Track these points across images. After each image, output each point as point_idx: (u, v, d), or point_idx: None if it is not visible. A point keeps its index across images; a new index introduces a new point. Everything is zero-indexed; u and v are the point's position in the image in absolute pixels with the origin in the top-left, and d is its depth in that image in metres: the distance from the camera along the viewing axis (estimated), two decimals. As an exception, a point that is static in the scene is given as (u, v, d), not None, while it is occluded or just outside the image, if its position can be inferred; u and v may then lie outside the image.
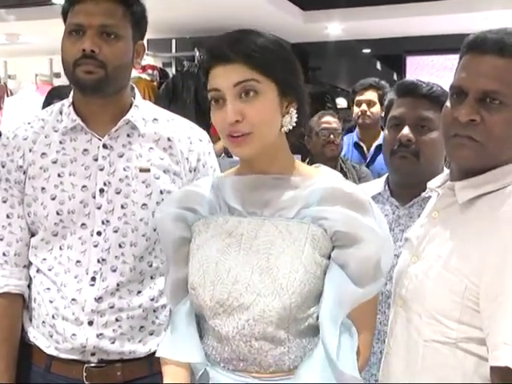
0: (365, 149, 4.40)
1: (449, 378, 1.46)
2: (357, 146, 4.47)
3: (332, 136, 3.88)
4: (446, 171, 1.64)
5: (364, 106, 4.39)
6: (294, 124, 1.53)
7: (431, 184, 1.68)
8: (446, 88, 1.62)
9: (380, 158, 4.26)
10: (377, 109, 4.36)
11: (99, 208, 1.83)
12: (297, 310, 1.46)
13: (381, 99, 4.31)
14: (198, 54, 7.13)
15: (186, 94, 6.76)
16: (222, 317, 1.50)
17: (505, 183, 1.47)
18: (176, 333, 1.56)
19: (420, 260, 1.58)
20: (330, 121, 3.96)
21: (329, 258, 1.50)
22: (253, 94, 1.46)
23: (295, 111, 1.53)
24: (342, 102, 10.32)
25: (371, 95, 4.39)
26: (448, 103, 1.53)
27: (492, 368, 1.36)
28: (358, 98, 4.43)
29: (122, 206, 1.84)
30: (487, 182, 1.49)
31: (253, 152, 1.50)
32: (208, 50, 1.51)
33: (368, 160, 4.33)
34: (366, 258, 1.48)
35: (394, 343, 1.63)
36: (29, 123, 1.94)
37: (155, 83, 7.18)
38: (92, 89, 1.81)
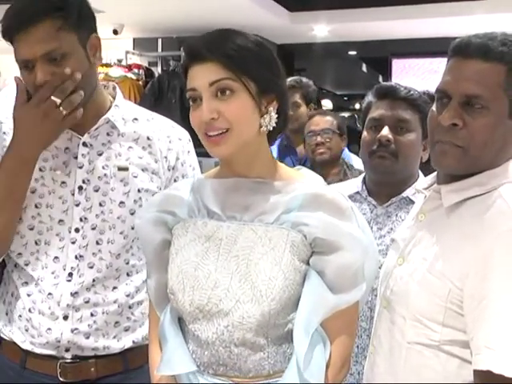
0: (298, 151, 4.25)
1: (431, 380, 1.47)
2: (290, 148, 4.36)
3: (319, 138, 3.52)
4: (434, 173, 1.65)
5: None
6: (274, 125, 1.52)
7: (418, 185, 1.70)
8: (432, 91, 1.63)
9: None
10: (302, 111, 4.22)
11: (77, 205, 1.83)
12: (276, 316, 1.45)
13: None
14: (183, 53, 7.14)
15: (171, 94, 6.76)
16: (201, 322, 1.48)
17: (490, 187, 1.48)
18: (167, 346, 1.54)
19: (406, 262, 1.58)
20: (318, 121, 3.61)
21: (308, 263, 1.49)
22: (229, 93, 1.45)
23: (275, 111, 1.52)
24: (327, 104, 10.34)
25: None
26: (434, 107, 1.54)
27: (475, 371, 1.36)
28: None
29: (100, 204, 1.84)
30: (473, 186, 1.49)
31: (230, 151, 1.48)
32: (185, 50, 1.51)
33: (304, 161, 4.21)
34: (345, 266, 1.47)
35: (377, 343, 1.63)
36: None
37: (141, 82, 7.17)
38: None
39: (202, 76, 1.46)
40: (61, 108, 1.75)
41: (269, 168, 1.56)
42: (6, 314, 1.90)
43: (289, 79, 4.11)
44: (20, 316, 1.86)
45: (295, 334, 1.45)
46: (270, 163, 1.57)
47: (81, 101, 1.78)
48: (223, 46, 1.46)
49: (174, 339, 1.53)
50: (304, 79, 4.28)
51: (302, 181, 1.55)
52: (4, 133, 1.88)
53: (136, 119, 1.94)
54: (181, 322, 1.57)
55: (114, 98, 1.94)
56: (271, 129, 1.52)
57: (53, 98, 1.74)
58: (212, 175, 1.62)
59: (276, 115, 1.52)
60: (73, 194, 1.84)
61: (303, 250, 1.48)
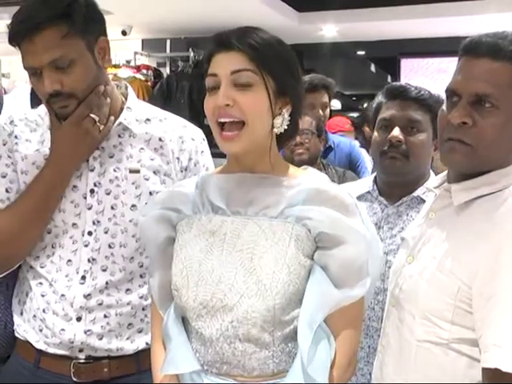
0: None
1: (440, 378, 1.47)
2: None
3: (299, 138, 3.37)
4: (444, 172, 1.65)
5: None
6: (286, 127, 1.52)
7: (429, 184, 1.71)
8: (441, 91, 1.63)
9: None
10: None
11: (90, 208, 1.83)
12: (281, 311, 1.45)
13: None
14: (192, 54, 7.15)
15: (180, 94, 6.77)
16: (205, 318, 1.48)
17: (500, 186, 1.48)
18: (171, 345, 1.54)
19: (415, 260, 1.58)
20: None
21: (312, 258, 1.49)
22: (248, 85, 1.46)
23: (288, 114, 1.52)
24: (336, 104, 10.32)
25: None
26: (444, 106, 1.54)
27: (483, 369, 1.37)
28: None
29: (112, 207, 1.84)
30: (483, 185, 1.49)
31: (242, 148, 1.49)
32: (214, 37, 1.52)
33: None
34: (349, 260, 1.47)
35: (386, 342, 1.64)
36: (26, 118, 1.93)
37: (149, 83, 7.19)
38: None
39: (226, 63, 1.47)
40: (98, 123, 1.80)
41: (275, 166, 1.56)
42: (21, 313, 1.90)
43: (318, 77, 4.03)
44: (34, 316, 1.87)
45: (299, 329, 1.45)
46: (278, 162, 1.58)
47: (109, 111, 1.84)
48: (252, 39, 1.48)
49: (177, 338, 1.53)
50: (329, 79, 4.16)
51: (306, 177, 1.56)
52: (16, 136, 1.88)
53: (148, 120, 1.93)
54: (184, 322, 1.57)
55: (126, 98, 1.94)
56: (282, 131, 1.53)
57: (92, 115, 1.79)
58: (218, 171, 1.64)
59: (288, 118, 1.53)
60: (85, 198, 1.84)
61: (308, 245, 1.48)
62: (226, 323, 1.46)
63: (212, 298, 1.47)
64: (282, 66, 1.50)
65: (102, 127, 1.81)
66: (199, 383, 1.50)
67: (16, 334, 1.91)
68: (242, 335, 1.45)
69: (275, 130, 1.51)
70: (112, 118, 1.86)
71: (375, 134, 2.17)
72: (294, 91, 1.53)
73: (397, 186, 2.16)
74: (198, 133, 1.97)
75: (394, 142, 2.08)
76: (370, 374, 1.95)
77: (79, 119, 1.79)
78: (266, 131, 1.51)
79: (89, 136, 1.80)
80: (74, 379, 1.83)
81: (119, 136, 1.88)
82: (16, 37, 1.74)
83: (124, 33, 7.13)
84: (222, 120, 1.47)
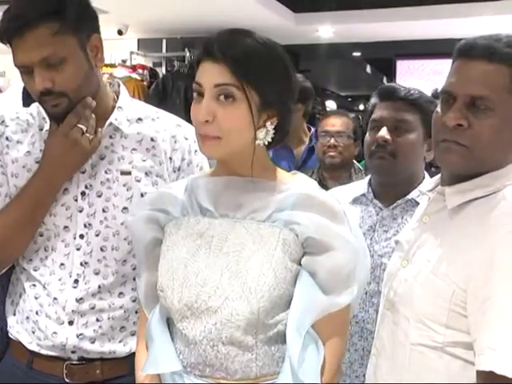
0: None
1: (434, 382, 1.47)
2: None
3: (333, 140, 3.33)
4: (438, 175, 1.65)
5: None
6: (270, 140, 1.51)
7: (422, 187, 1.71)
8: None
9: (313, 159, 3.93)
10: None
11: (81, 211, 1.82)
12: (265, 315, 1.44)
13: None
14: (188, 54, 7.14)
15: (175, 94, 6.76)
16: (189, 320, 1.48)
17: (494, 189, 1.48)
18: (153, 345, 1.54)
19: (410, 264, 1.58)
20: (333, 123, 3.40)
21: (299, 263, 1.49)
22: (230, 100, 1.44)
23: (273, 126, 1.50)
24: (331, 105, 10.37)
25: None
26: (438, 108, 1.54)
27: (478, 372, 1.36)
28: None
29: (103, 210, 1.82)
30: (477, 188, 1.49)
31: (219, 156, 1.51)
32: (203, 44, 1.49)
33: (300, 164, 3.99)
34: (336, 267, 1.46)
35: (380, 345, 1.64)
36: (17, 117, 1.91)
37: (145, 83, 7.16)
38: (63, 117, 1.79)
39: (211, 75, 1.45)
40: (87, 134, 1.78)
41: (263, 169, 1.55)
42: (14, 314, 1.89)
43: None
44: (27, 318, 1.86)
45: (288, 334, 1.45)
46: (266, 165, 1.57)
47: (96, 123, 1.81)
48: (237, 51, 1.44)
49: (160, 338, 1.53)
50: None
51: (295, 183, 1.56)
52: (7, 138, 1.86)
53: (140, 119, 1.90)
54: (169, 323, 1.57)
55: (116, 97, 1.92)
56: (266, 143, 1.51)
57: (79, 125, 1.77)
58: (208, 173, 1.63)
59: (273, 131, 1.51)
60: (76, 200, 1.82)
61: (295, 250, 1.48)
62: (209, 325, 1.46)
63: (197, 300, 1.47)
64: (269, 78, 1.46)
65: (91, 137, 1.79)
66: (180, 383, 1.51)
67: (9, 335, 1.90)
68: (225, 338, 1.45)
69: (258, 142, 1.49)
70: (100, 129, 1.83)
71: (366, 134, 2.19)
72: (282, 103, 1.50)
73: (389, 187, 2.17)
74: (192, 132, 1.93)
75: (380, 142, 2.10)
76: (364, 375, 1.96)
77: (68, 129, 1.77)
78: (245, 142, 1.49)
79: (77, 146, 1.78)
80: (67, 380, 1.82)
81: (110, 137, 1.86)
82: (6, 34, 1.72)
83: (120, 32, 7.12)
84: (202, 133, 1.47)
